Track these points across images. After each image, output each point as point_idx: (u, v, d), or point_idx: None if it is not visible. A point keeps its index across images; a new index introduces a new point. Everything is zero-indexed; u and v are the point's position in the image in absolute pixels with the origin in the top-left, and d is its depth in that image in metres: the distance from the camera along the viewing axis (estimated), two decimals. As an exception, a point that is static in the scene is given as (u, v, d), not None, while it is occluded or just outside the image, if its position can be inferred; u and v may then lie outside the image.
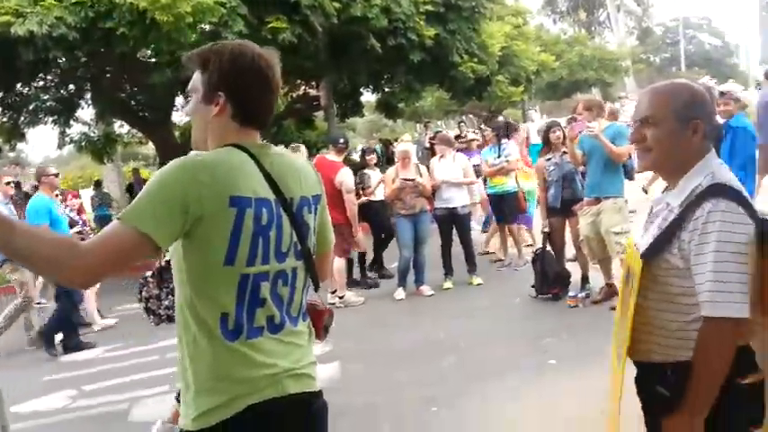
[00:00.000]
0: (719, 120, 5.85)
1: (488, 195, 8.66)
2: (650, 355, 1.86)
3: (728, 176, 1.84)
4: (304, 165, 1.93)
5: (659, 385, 1.82)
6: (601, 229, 5.98)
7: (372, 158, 9.12)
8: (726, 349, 1.71)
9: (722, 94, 6.12)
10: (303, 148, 8.41)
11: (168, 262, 4.23)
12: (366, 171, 8.83)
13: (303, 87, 18.13)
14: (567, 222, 6.69)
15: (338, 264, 7.34)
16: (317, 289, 1.96)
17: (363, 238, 7.89)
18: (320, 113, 17.07)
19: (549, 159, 6.73)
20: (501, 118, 15.17)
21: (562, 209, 6.57)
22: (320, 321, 2.02)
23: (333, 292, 7.40)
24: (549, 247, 6.74)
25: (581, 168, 6.41)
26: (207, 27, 9.86)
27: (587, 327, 5.51)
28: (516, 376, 4.65)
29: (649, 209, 2.06)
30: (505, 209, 8.32)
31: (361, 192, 8.32)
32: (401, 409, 4.39)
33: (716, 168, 1.85)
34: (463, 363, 5.14)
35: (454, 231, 7.71)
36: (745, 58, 34.51)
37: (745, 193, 1.81)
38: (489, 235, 9.51)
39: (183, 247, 1.65)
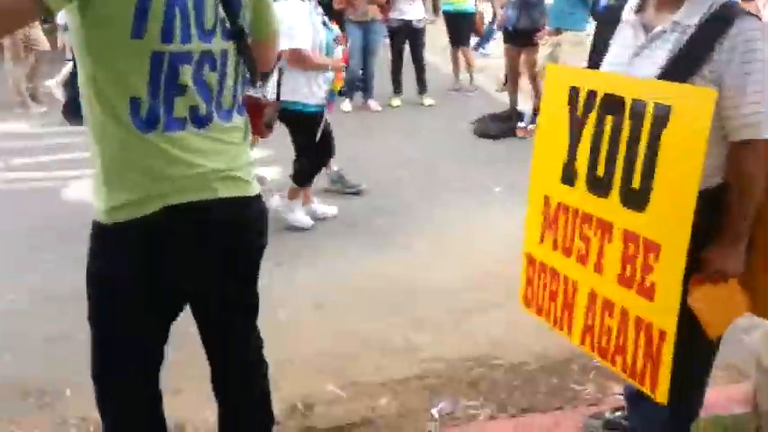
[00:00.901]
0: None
1: (444, 13, 8.23)
2: None
3: None
4: None
5: None
6: (558, 62, 5.88)
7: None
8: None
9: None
10: None
11: None
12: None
13: None
14: (521, 53, 6.49)
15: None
16: (254, 82, 1.70)
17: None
18: None
19: None
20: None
21: (518, 37, 6.34)
22: (259, 116, 1.78)
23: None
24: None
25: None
26: None
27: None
28: (461, 200, 4.71)
29: (618, 33, 1.91)
30: (461, 30, 7.98)
31: None
32: (352, 218, 4.42)
33: None
34: (413, 178, 5.14)
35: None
36: None
37: None
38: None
39: (80, 13, 1.37)
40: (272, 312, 2.96)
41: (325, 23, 4.11)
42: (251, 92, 1.74)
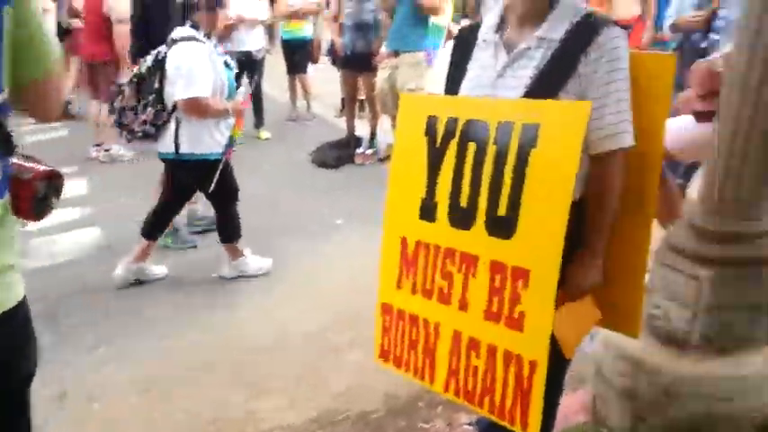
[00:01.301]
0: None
1: (282, 41, 7.85)
2: None
3: None
4: None
5: None
6: (396, 84, 5.79)
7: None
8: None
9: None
10: None
11: (151, 69, 3.49)
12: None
13: None
14: (359, 78, 6.35)
15: (104, 109, 6.24)
16: (8, 152, 1.25)
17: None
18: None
19: (349, 0, 6.19)
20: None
21: (355, 62, 6.21)
22: (27, 192, 1.32)
23: (98, 145, 6.40)
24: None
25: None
26: None
27: (376, 184, 5.41)
28: (304, 233, 4.50)
29: (476, 55, 1.79)
30: (298, 57, 7.70)
31: None
32: (188, 276, 4.01)
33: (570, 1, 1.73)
34: (255, 217, 4.70)
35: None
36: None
37: None
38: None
39: None
40: (87, 406, 2.50)
41: (226, 63, 3.71)
42: (17, 159, 1.30)
